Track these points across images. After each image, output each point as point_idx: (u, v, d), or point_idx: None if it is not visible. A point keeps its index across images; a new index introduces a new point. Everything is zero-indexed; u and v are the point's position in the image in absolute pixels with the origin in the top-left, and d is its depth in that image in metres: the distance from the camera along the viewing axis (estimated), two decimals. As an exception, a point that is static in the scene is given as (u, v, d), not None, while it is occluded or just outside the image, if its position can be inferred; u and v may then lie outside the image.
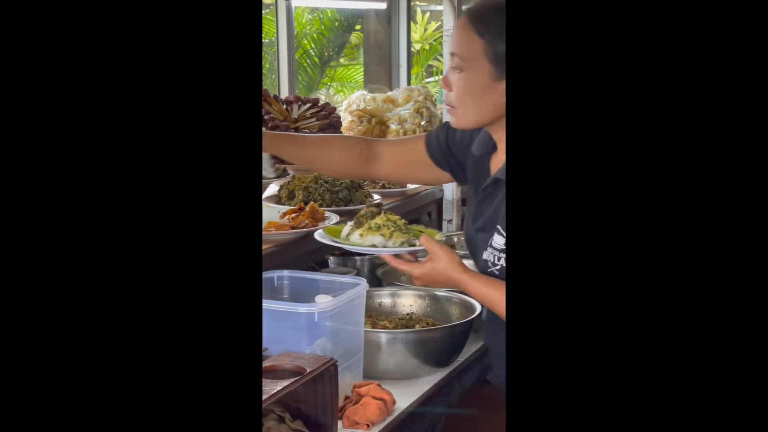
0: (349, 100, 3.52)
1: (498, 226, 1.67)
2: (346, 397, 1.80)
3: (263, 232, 2.14)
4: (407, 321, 2.12)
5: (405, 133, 3.41)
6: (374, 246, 1.74)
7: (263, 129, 2.05)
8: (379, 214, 1.80)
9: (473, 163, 1.80)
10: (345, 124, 3.42)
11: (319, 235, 1.81)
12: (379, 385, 1.81)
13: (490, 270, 1.68)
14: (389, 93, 3.72)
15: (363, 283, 1.86)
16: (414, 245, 1.73)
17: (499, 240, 1.66)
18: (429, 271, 1.68)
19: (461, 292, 2.06)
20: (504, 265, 1.65)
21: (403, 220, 1.78)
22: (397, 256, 1.72)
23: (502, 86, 1.62)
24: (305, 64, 7.28)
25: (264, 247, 2.06)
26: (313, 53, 7.29)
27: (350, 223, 1.82)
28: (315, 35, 7.23)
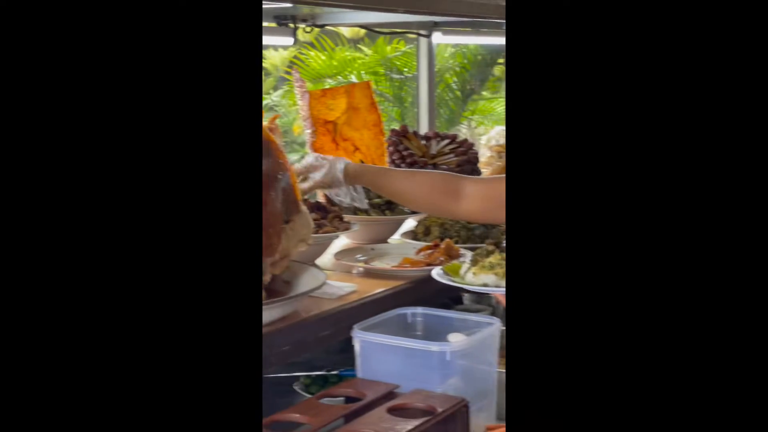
0: (489, 135, 3.52)
1: None
2: (478, 439, 1.78)
3: (399, 269, 2.15)
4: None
5: (545, 169, 3.38)
6: (486, 285, 1.76)
7: (363, 162, 2.11)
8: (493, 252, 1.81)
9: None
10: (484, 159, 3.41)
11: (436, 274, 1.86)
12: (511, 427, 1.78)
13: None
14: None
15: (497, 323, 1.84)
16: None
17: None
18: None
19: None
20: None
21: None
22: None
23: None
24: (447, 98, 7.32)
25: (398, 283, 2.07)
26: (455, 87, 7.32)
27: (468, 262, 1.84)
28: (457, 69, 7.26)
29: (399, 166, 2.78)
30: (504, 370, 1.94)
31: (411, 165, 2.76)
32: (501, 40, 4.56)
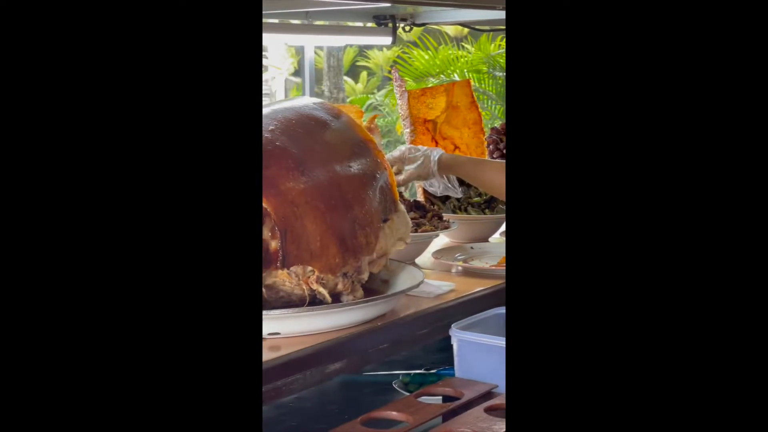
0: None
1: None
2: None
3: (498, 268, 2.14)
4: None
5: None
6: None
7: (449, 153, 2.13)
8: None
9: None
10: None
11: None
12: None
13: None
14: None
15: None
16: None
17: None
18: None
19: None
20: None
21: None
22: None
23: None
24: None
25: (497, 282, 2.06)
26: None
27: None
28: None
29: (499, 165, 2.77)
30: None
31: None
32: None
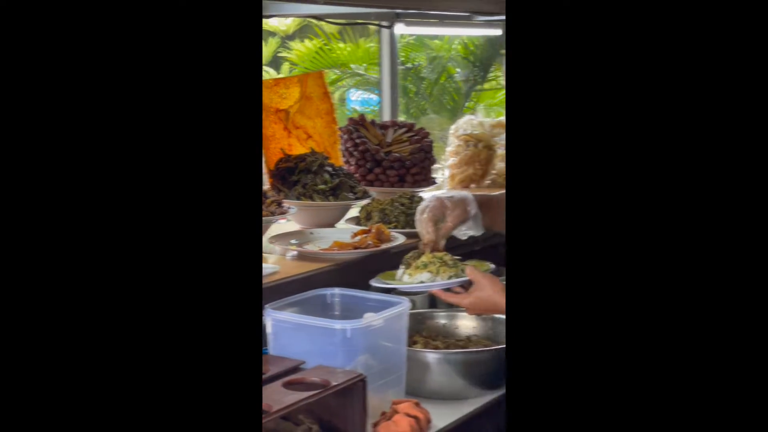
0: (457, 124, 3.57)
1: None
2: (383, 413, 1.85)
3: (326, 252, 2.22)
4: (465, 342, 2.15)
5: (512, 158, 3.43)
6: (422, 283, 1.91)
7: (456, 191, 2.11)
8: (424, 253, 1.93)
9: None
10: (452, 148, 3.47)
11: (375, 281, 2.01)
12: (417, 404, 1.84)
13: None
14: (500, 118, 3.74)
15: (405, 302, 1.91)
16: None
17: None
18: (476, 300, 1.80)
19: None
20: None
21: (449, 255, 1.95)
22: (447, 289, 1.84)
23: None
24: (450, 89, 7.37)
25: (323, 265, 2.14)
26: (458, 77, 7.37)
27: (402, 266, 2.00)
28: (460, 59, 7.30)
29: (352, 154, 2.85)
30: (420, 348, 2.01)
31: (364, 153, 2.83)
32: (467, 32, 4.60)
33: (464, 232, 2.09)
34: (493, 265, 2.03)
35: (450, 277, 1.90)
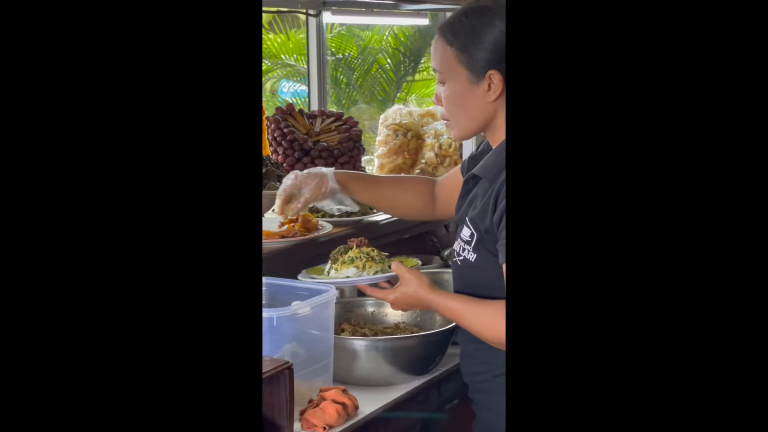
0: (386, 113, 3.58)
1: (467, 219, 1.77)
2: (311, 401, 1.85)
3: (253, 241, 2.21)
4: (393, 330, 2.16)
5: (440, 147, 3.45)
6: (349, 278, 1.93)
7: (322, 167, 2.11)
8: (351, 248, 1.94)
9: (468, 160, 1.91)
10: (381, 137, 3.48)
11: (301, 276, 2.01)
12: (344, 390, 1.85)
13: (454, 260, 1.82)
14: (430, 108, 3.76)
15: (331, 290, 1.91)
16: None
17: (466, 232, 1.77)
18: (401, 296, 1.82)
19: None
20: (466, 257, 1.75)
21: (376, 251, 1.97)
22: (374, 285, 1.88)
23: (481, 89, 1.72)
24: (381, 80, 7.38)
25: (250, 254, 2.13)
26: (389, 68, 7.38)
27: (329, 261, 2.01)
28: (390, 50, 7.32)
29: (280, 144, 2.84)
30: (348, 336, 2.02)
31: (291, 143, 2.82)
32: (394, 21, 4.62)
33: (337, 208, 2.11)
34: (419, 262, 2.07)
35: (376, 273, 1.92)
